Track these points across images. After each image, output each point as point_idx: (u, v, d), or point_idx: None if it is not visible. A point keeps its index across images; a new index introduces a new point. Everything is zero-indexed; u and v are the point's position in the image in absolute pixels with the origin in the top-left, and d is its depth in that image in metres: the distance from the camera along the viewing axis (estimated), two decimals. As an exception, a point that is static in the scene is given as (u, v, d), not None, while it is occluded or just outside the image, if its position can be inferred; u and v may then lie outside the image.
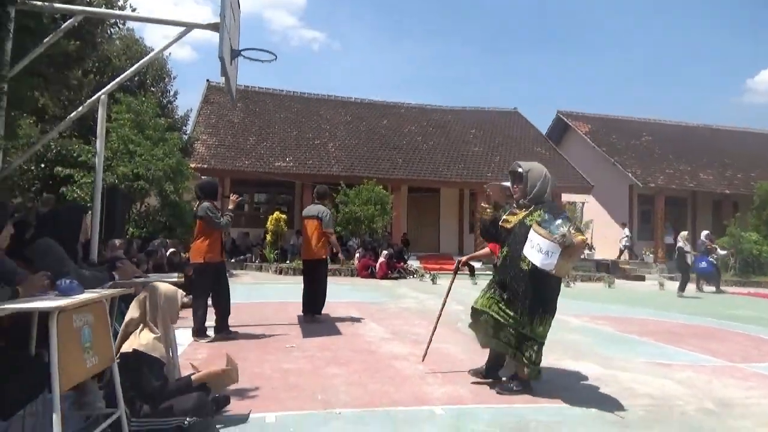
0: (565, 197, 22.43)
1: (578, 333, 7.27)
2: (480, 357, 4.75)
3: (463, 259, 5.21)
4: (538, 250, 3.80)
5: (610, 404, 4.10)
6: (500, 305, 4.19)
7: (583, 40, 76.94)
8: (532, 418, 3.71)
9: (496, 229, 4.44)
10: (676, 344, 6.68)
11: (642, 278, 18.41)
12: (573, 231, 3.89)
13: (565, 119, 26.62)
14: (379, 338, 6.46)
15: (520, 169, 4.30)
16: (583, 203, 22.60)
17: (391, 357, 5.46)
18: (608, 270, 19.04)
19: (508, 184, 4.65)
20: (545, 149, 23.90)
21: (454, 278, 5.32)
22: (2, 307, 2.21)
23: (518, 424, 3.60)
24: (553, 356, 5.50)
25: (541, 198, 4.25)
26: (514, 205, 4.41)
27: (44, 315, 2.39)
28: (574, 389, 4.50)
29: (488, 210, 4.65)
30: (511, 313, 4.13)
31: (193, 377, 3.46)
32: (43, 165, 11.09)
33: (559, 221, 3.84)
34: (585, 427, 3.61)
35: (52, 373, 2.33)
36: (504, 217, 4.37)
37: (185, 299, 7.59)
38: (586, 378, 4.88)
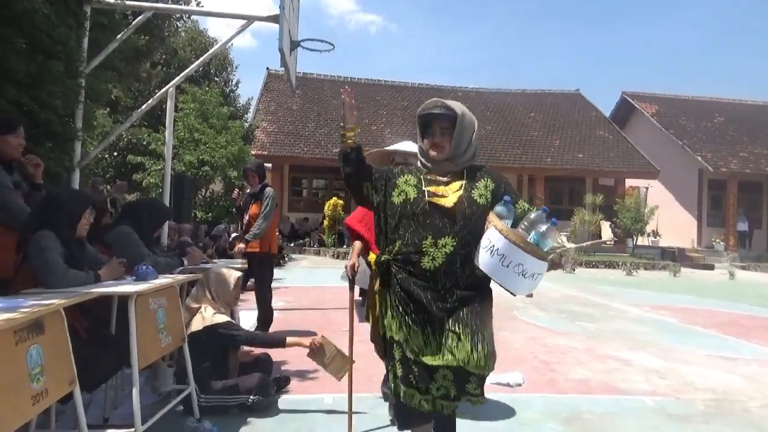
0: (629, 182, 21.68)
1: (638, 323, 7.12)
2: (540, 346, 4.74)
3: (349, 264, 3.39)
4: (506, 264, 2.12)
5: (668, 397, 4.04)
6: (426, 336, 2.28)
7: (651, 12, 73.22)
8: (585, 409, 3.71)
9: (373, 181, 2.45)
10: (742, 337, 6.44)
11: (711, 267, 17.64)
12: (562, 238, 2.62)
13: (631, 100, 25.60)
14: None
15: (449, 111, 2.38)
16: (646, 188, 21.77)
17: (445, 343, 5.54)
18: (674, 258, 18.35)
19: (405, 147, 3.25)
20: (609, 132, 23.13)
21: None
22: (88, 291, 2.43)
23: (572, 415, 3.61)
24: (610, 346, 5.43)
25: (474, 161, 2.50)
26: (424, 167, 2.47)
27: (124, 298, 2.61)
28: (630, 381, 4.45)
29: (350, 134, 2.51)
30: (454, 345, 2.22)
31: (288, 339, 3.67)
32: (116, 153, 11.74)
33: (543, 226, 2.17)
34: (640, 419, 3.58)
35: (131, 351, 2.55)
36: (425, 188, 2.34)
37: (248, 282, 7.91)
38: (644, 370, 4.80)
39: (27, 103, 4.76)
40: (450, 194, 2.29)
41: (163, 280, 2.94)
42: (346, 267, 3.36)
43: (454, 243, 2.21)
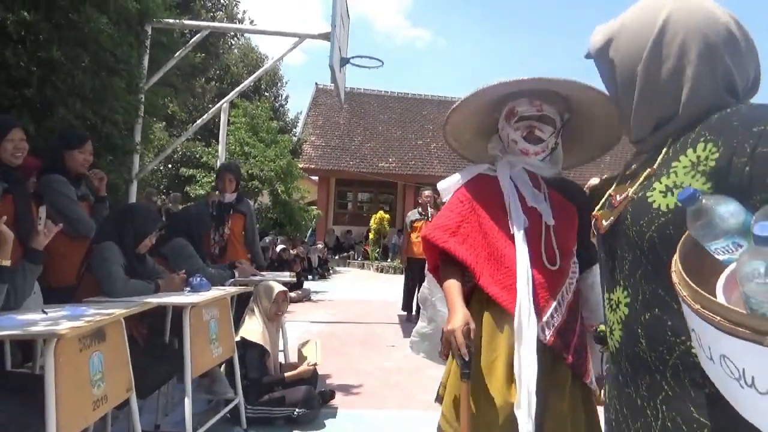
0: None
1: None
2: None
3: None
4: (710, 355, 0.81)
5: None
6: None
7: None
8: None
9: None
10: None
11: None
12: None
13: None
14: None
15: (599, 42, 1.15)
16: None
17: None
18: None
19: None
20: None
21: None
22: (147, 300, 2.52)
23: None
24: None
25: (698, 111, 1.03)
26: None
27: (178, 309, 2.70)
28: None
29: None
30: None
31: (286, 375, 3.68)
32: (170, 166, 12.14)
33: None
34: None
35: (185, 360, 2.62)
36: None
37: (293, 294, 7.99)
38: None
39: (90, 118, 4.99)
40: (617, 200, 1.15)
41: (215, 291, 3.02)
42: (445, 337, 1.58)
43: (628, 300, 1.09)
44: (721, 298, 0.79)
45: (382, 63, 7.41)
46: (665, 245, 0.98)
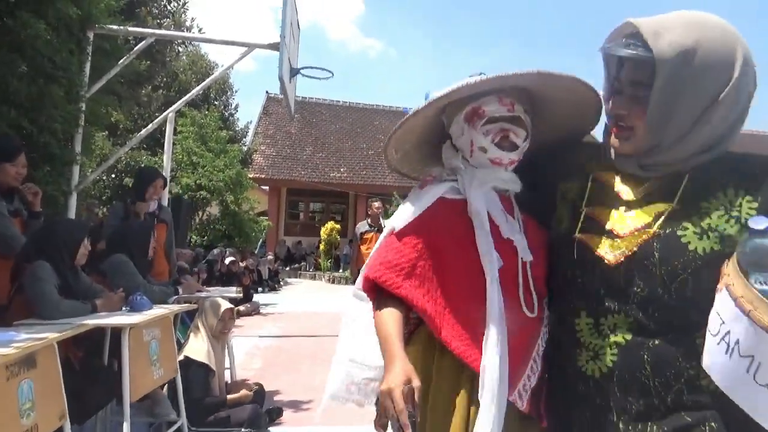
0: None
1: None
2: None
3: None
4: (754, 371, 0.92)
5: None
6: None
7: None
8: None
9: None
10: None
11: None
12: None
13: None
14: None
15: (641, 47, 1.10)
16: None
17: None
18: None
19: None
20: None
21: None
22: (81, 323, 2.41)
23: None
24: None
25: (722, 147, 1.13)
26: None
27: (117, 329, 2.59)
28: None
29: None
30: None
31: (228, 398, 3.61)
32: (113, 176, 11.73)
33: None
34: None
35: (123, 384, 2.52)
36: (583, 208, 1.25)
37: (241, 308, 7.85)
38: None
39: (26, 127, 4.78)
40: (627, 227, 1.14)
41: (157, 310, 2.92)
42: (380, 400, 1.17)
43: (633, 326, 1.12)
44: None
45: (332, 74, 7.40)
46: (697, 286, 1.05)
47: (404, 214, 1.37)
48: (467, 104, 1.36)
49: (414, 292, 1.27)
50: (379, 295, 1.31)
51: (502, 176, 1.38)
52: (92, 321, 2.48)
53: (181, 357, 3.31)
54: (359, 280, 1.39)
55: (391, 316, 1.25)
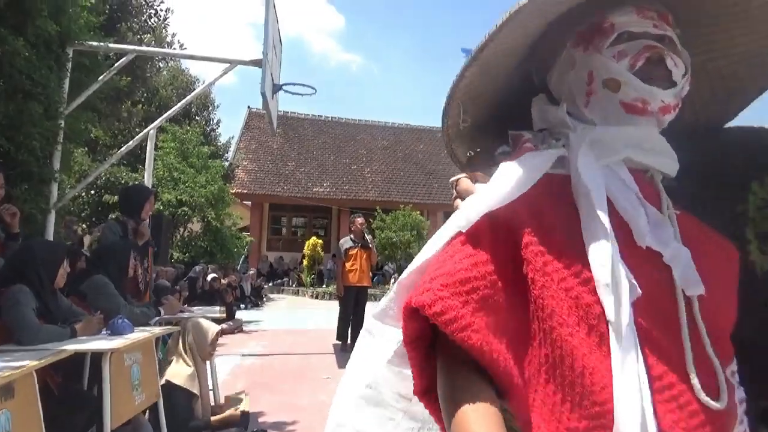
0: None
1: None
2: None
3: None
4: None
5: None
6: None
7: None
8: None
9: None
10: None
11: None
12: None
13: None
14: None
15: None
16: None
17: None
18: None
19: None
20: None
21: None
22: (62, 348, 2.35)
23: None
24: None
25: None
26: None
27: (97, 354, 2.53)
28: None
29: None
30: None
31: (213, 419, 3.54)
32: (93, 192, 11.57)
33: None
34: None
35: (104, 410, 2.45)
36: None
37: (224, 326, 7.75)
38: None
39: (3, 145, 4.69)
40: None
41: (138, 333, 2.86)
42: None
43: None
44: None
45: (315, 90, 7.41)
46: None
47: (483, 200, 0.72)
48: (577, 25, 0.81)
49: (493, 343, 0.64)
50: (434, 341, 0.70)
51: (643, 136, 0.77)
52: (72, 346, 2.42)
53: (162, 381, 3.24)
54: (384, 306, 0.83)
55: (479, 394, 0.63)
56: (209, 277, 9.89)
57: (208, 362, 3.79)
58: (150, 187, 6.96)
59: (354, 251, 7.48)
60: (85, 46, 5.96)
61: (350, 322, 7.55)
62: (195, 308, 4.29)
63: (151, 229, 5.66)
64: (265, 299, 14.68)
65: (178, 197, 12.15)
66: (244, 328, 9.21)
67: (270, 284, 17.31)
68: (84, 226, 10.92)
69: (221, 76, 6.79)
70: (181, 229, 13.36)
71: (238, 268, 15.46)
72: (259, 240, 19.12)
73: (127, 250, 3.87)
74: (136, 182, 11.07)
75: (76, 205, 11.60)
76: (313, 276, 17.41)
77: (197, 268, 9.96)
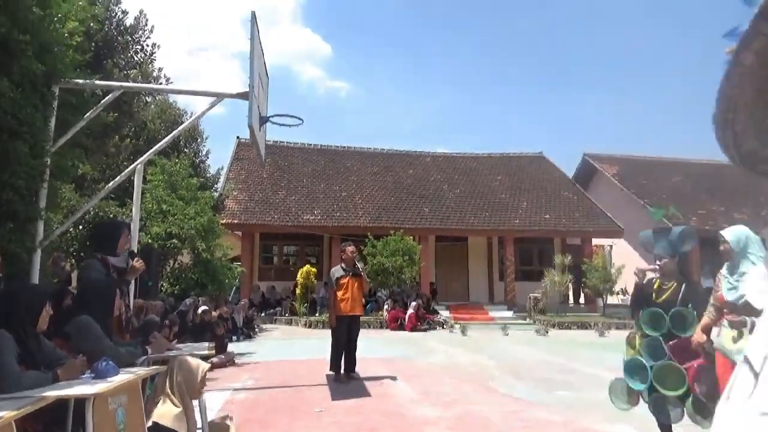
0: (595, 241, 22.10)
1: (614, 390, 7.04)
2: (518, 421, 4.62)
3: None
4: None
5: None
6: None
7: (608, 79, 77.24)
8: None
9: None
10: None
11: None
12: None
13: (592, 161, 26.52)
14: (409, 400, 6.37)
15: None
16: (610, 246, 22.21)
17: (422, 422, 5.38)
18: (644, 316, 18.48)
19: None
20: (573, 193, 23.75)
21: None
22: (44, 395, 2.30)
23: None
24: (589, 419, 5.34)
25: None
26: None
27: (81, 399, 2.48)
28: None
29: None
30: None
31: None
32: (81, 227, 11.47)
33: None
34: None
35: (88, 458, 2.39)
36: None
37: (215, 359, 7.63)
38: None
39: (-12, 184, 4.67)
40: None
41: (123, 376, 2.81)
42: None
43: None
44: None
45: (302, 121, 7.45)
46: None
47: None
48: None
49: None
50: None
51: None
52: (54, 393, 2.37)
53: (149, 423, 3.17)
54: None
55: None
56: (200, 310, 9.78)
57: (196, 400, 3.72)
58: (134, 221, 6.92)
59: (345, 280, 7.45)
60: (71, 84, 5.98)
61: (343, 352, 7.48)
62: (183, 345, 4.22)
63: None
64: (257, 330, 14.52)
65: (168, 230, 12.08)
66: (235, 361, 9.08)
67: (262, 314, 17.16)
68: (72, 261, 10.80)
69: (208, 109, 6.83)
70: (171, 262, 13.25)
71: (230, 299, 15.32)
72: (250, 270, 19.00)
73: (113, 288, 3.83)
74: (125, 216, 11.01)
75: (64, 240, 11.49)
76: (305, 305, 17.28)
77: (187, 301, 9.86)
